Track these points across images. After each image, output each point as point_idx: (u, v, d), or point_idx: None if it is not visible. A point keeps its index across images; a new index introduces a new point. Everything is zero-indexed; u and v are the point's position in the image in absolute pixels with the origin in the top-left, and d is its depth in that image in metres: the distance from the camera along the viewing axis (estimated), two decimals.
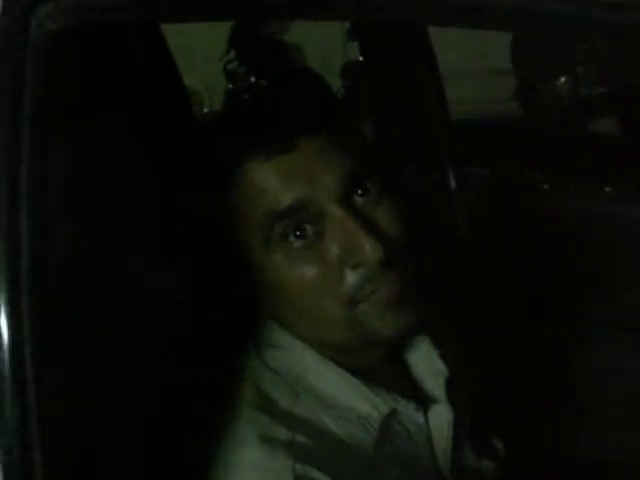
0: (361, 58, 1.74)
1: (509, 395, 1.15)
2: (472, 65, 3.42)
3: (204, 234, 0.77)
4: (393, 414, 0.79)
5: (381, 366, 0.83)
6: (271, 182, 0.71)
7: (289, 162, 0.71)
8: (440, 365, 0.84)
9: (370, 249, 0.69)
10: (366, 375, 0.79)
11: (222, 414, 0.75)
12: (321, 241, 0.72)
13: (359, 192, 0.73)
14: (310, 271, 0.72)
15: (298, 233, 0.71)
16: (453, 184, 1.51)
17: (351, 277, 0.71)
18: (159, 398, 0.72)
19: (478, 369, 0.94)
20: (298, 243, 0.71)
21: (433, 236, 1.33)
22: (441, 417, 0.82)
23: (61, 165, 0.60)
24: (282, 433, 0.72)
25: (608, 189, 1.55)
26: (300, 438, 0.72)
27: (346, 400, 0.77)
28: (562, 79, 2.56)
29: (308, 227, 0.71)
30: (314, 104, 0.74)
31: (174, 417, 0.73)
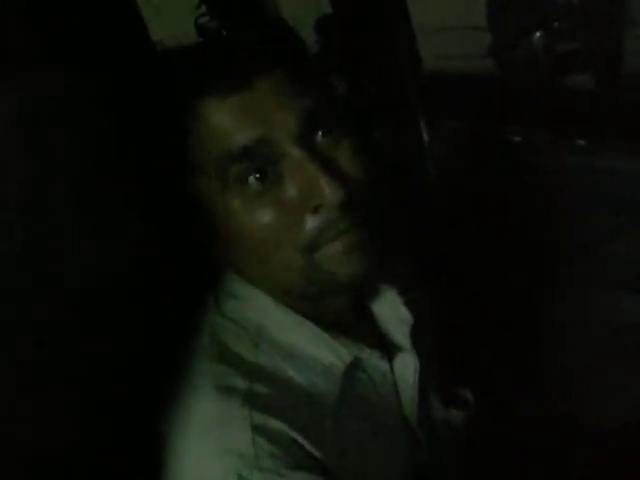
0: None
1: (479, 345, 1.15)
2: (446, 21, 3.39)
3: (161, 180, 0.74)
4: (357, 363, 0.77)
5: (345, 315, 0.82)
6: (227, 122, 0.68)
7: (245, 101, 0.68)
8: (405, 313, 0.83)
9: (330, 191, 0.66)
10: (329, 324, 0.77)
11: (180, 366, 0.74)
12: (280, 184, 0.69)
13: (320, 133, 0.70)
14: (268, 215, 0.69)
15: (256, 175, 0.68)
16: (426, 137, 1.50)
17: (311, 222, 0.69)
18: (118, 351, 0.70)
19: (446, 318, 0.93)
20: (256, 186, 0.69)
21: (403, 187, 1.31)
22: (406, 365, 0.81)
23: (12, 108, 0.58)
24: (239, 382, 0.71)
25: (582, 142, 1.54)
26: (258, 387, 0.71)
27: (308, 349, 0.76)
28: (537, 34, 2.55)
29: (266, 169, 0.69)
30: (269, 42, 0.71)
31: (133, 370, 0.71)
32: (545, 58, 2.52)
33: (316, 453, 0.69)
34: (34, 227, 0.59)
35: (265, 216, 0.69)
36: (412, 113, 1.50)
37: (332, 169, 0.68)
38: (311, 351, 0.76)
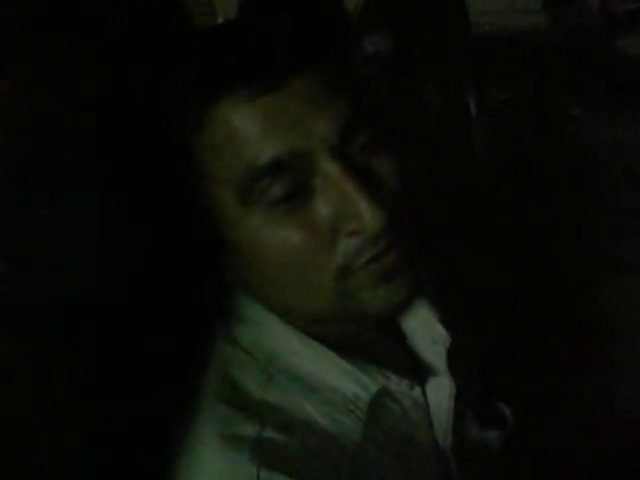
0: None
1: (513, 354, 1.06)
2: None
3: (165, 188, 0.66)
4: (384, 392, 0.70)
5: (370, 338, 0.74)
6: (252, 128, 0.60)
7: (276, 104, 0.59)
8: (440, 331, 0.75)
9: (370, 216, 0.59)
10: (352, 350, 0.70)
11: (182, 407, 0.67)
12: (311, 201, 0.61)
13: (356, 143, 0.62)
14: (296, 237, 0.61)
15: (284, 192, 0.60)
16: (474, 109, 1.39)
17: (345, 245, 0.62)
18: (110, 389, 0.62)
19: (480, 330, 0.85)
20: (283, 203, 0.61)
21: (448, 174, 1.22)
22: (441, 389, 0.73)
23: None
24: (248, 429, 0.64)
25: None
26: (269, 433, 0.64)
27: (329, 380, 0.68)
28: None
29: (296, 185, 0.61)
30: (310, 33, 0.63)
31: (127, 411, 0.63)
32: (601, 17, 2.41)
33: None
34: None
35: (292, 237, 0.62)
36: (459, 80, 1.40)
37: (371, 187, 0.60)
38: (332, 382, 0.68)
